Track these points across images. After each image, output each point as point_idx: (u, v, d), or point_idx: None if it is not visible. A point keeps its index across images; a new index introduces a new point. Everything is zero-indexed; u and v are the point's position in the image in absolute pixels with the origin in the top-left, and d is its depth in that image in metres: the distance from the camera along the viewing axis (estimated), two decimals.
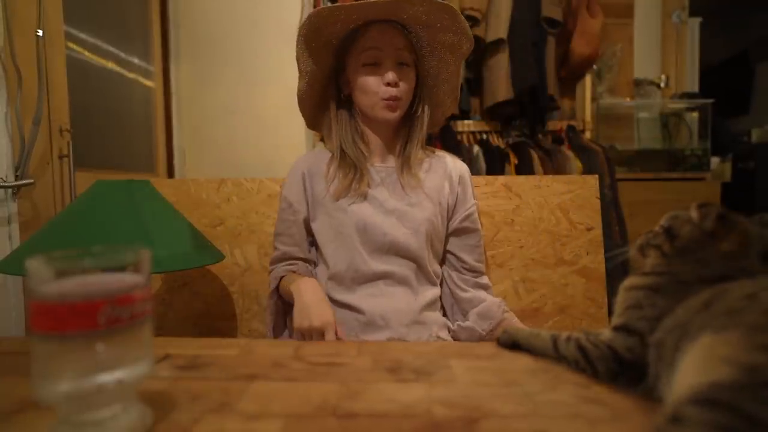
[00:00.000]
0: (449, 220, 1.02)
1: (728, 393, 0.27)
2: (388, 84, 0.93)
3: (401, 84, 0.94)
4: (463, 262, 1.02)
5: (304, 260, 1.02)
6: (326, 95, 1.03)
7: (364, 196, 0.96)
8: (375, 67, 0.94)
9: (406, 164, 0.99)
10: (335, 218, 0.96)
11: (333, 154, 1.01)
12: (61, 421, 0.33)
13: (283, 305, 1.01)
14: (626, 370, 0.43)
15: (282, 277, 0.98)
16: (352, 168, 0.97)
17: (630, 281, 0.47)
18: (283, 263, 1.01)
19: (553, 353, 0.50)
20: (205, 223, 1.21)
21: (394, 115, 0.96)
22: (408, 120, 1.01)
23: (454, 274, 1.02)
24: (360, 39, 0.95)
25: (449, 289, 1.02)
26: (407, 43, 0.96)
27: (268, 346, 0.56)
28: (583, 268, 1.17)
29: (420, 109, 1.01)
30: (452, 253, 1.03)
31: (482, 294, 1.00)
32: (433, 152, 1.06)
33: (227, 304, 1.20)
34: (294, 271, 0.98)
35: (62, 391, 0.32)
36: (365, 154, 0.99)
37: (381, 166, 1.00)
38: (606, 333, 0.46)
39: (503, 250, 1.17)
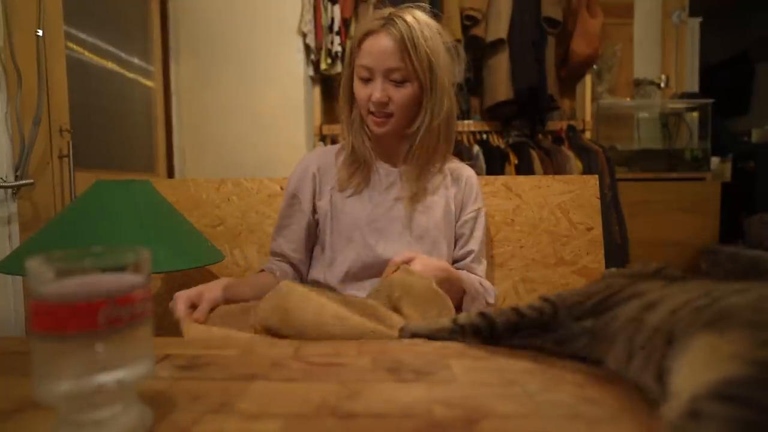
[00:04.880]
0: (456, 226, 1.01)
1: (745, 388, 0.27)
2: (373, 102, 0.91)
3: (393, 100, 0.92)
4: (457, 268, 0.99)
5: (293, 263, 1.02)
6: (342, 88, 1.01)
7: (369, 194, 0.96)
8: (367, 81, 0.92)
9: (417, 174, 0.98)
10: (341, 220, 0.96)
11: (342, 148, 1.02)
12: (61, 421, 0.33)
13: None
14: (527, 325, 0.48)
15: (262, 271, 1.01)
16: (359, 162, 0.98)
17: None
18: (276, 258, 1.03)
19: (451, 327, 0.54)
20: (205, 223, 1.21)
21: (383, 130, 0.94)
22: (417, 131, 0.97)
23: None
24: (359, 48, 0.93)
25: None
26: (403, 60, 0.89)
27: (268, 346, 0.56)
28: (583, 268, 1.17)
29: (424, 123, 0.95)
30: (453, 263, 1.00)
31: None
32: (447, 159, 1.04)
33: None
34: (273, 272, 0.99)
35: (62, 391, 0.32)
36: (373, 153, 0.99)
37: (391, 169, 1.00)
38: None
39: (503, 250, 1.17)
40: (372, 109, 0.93)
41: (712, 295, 0.37)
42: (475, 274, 0.99)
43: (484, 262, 1.02)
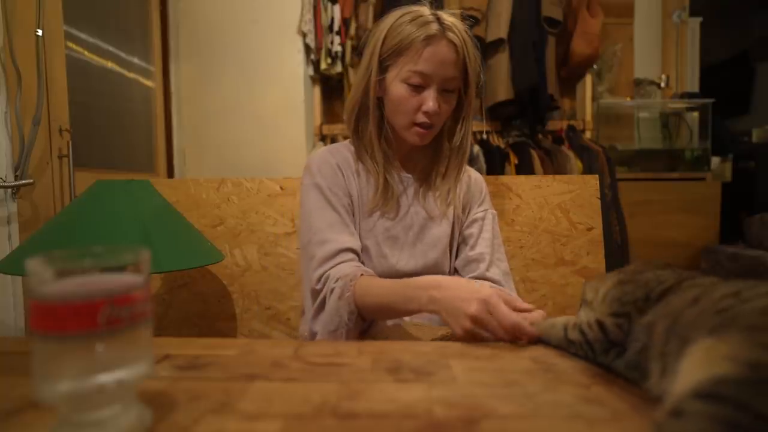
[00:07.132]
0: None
1: (731, 388, 0.27)
2: (426, 112, 0.87)
3: (441, 110, 0.88)
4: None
5: (359, 257, 0.88)
6: (366, 97, 0.92)
7: (392, 211, 0.93)
8: (417, 88, 0.86)
9: (431, 183, 0.96)
10: (360, 226, 0.93)
11: (353, 154, 0.96)
12: (61, 421, 0.33)
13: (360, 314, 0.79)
14: (615, 346, 0.48)
15: (359, 276, 0.79)
16: (383, 182, 0.92)
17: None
18: (345, 256, 0.85)
19: (564, 341, 0.54)
20: (204, 223, 1.21)
21: (424, 142, 0.91)
22: (441, 139, 0.95)
23: None
24: (411, 51, 0.85)
25: None
26: (461, 68, 0.87)
27: (268, 346, 0.56)
28: (583, 268, 1.17)
29: (460, 137, 0.93)
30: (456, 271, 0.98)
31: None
32: None
33: (227, 304, 1.20)
34: (363, 273, 0.81)
35: (62, 391, 0.32)
36: (393, 162, 0.95)
37: (404, 175, 0.97)
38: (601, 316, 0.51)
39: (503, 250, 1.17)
40: (421, 120, 0.87)
41: (741, 296, 0.36)
42: (492, 280, 0.93)
43: (501, 264, 0.96)
